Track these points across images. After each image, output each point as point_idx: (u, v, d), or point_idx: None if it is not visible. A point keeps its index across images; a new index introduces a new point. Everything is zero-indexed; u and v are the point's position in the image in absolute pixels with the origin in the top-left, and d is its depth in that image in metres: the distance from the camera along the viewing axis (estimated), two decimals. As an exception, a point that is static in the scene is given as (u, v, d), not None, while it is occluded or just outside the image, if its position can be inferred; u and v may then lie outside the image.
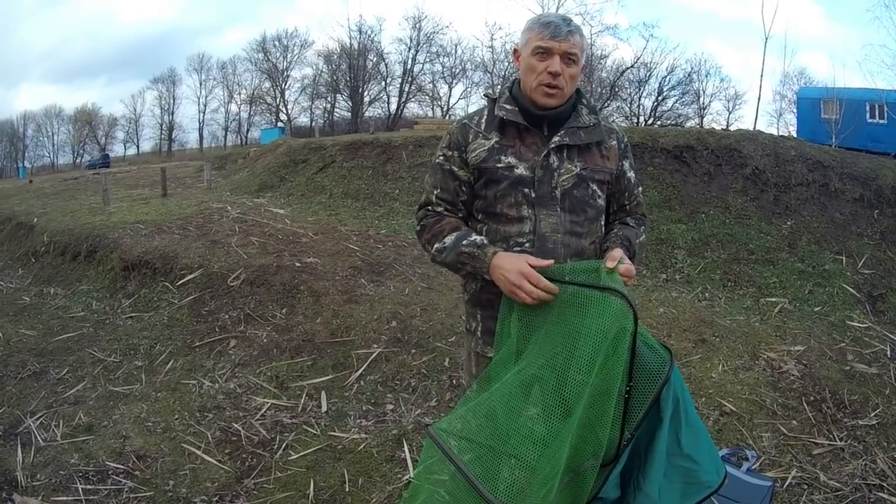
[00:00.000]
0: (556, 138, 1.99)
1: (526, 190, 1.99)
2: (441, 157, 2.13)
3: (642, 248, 2.18)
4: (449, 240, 2.03)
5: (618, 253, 1.87)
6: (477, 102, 43.86)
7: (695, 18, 67.34)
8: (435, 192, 2.13)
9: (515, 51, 2.10)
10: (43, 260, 7.22)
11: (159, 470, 3.34)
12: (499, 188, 2.02)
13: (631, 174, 2.20)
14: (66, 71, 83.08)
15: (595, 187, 2.05)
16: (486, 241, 1.98)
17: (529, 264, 1.85)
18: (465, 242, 1.98)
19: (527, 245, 1.99)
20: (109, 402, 4.12)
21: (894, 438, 3.66)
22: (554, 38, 1.93)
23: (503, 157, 2.01)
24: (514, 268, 1.86)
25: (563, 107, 2.02)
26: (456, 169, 2.09)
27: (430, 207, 2.14)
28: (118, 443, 3.59)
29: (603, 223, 2.15)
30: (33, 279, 6.84)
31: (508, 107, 2.03)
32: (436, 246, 2.07)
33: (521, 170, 1.99)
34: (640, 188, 2.27)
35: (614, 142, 2.12)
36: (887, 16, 31.57)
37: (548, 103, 1.99)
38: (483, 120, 2.09)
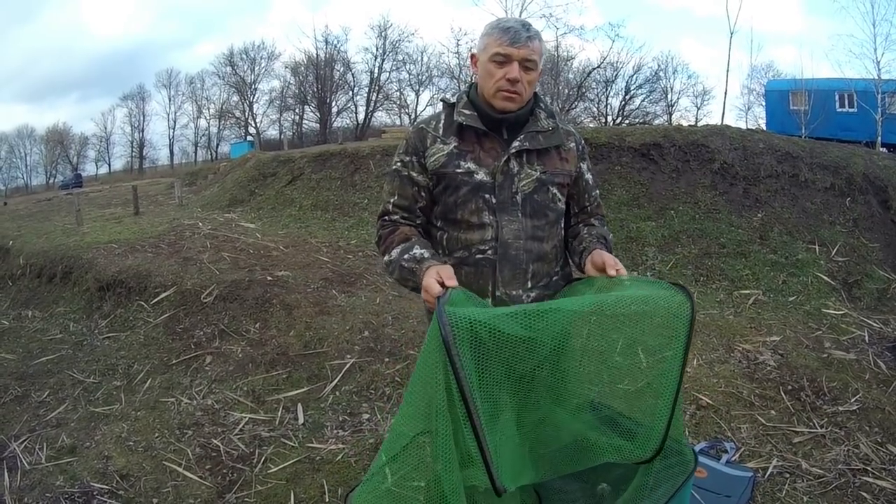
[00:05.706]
0: (516, 143, 1.97)
1: (486, 196, 1.97)
2: (398, 163, 2.09)
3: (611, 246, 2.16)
4: (395, 252, 1.97)
5: (610, 259, 1.87)
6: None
7: (667, 17, 67.73)
8: (392, 200, 2.09)
9: (473, 55, 2.07)
10: (20, 283, 7.20)
11: (143, 488, 3.40)
12: (458, 194, 1.99)
13: (588, 175, 2.18)
14: (36, 89, 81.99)
15: (555, 191, 2.04)
16: (426, 256, 1.89)
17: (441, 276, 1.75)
18: (406, 257, 1.92)
19: (489, 252, 1.97)
20: (91, 423, 4.17)
21: (876, 422, 3.68)
22: (513, 44, 1.91)
23: (462, 163, 1.98)
24: (428, 279, 1.77)
25: (522, 110, 2.00)
26: (415, 174, 2.06)
27: (386, 217, 2.10)
28: (101, 463, 3.64)
29: (563, 226, 2.14)
30: (11, 303, 6.83)
31: (467, 112, 2.01)
32: (385, 259, 2.03)
33: (481, 175, 1.97)
34: (598, 190, 2.25)
35: (572, 144, 2.11)
36: (854, 6, 32.03)
37: (506, 107, 1.97)
38: (441, 125, 2.06)
